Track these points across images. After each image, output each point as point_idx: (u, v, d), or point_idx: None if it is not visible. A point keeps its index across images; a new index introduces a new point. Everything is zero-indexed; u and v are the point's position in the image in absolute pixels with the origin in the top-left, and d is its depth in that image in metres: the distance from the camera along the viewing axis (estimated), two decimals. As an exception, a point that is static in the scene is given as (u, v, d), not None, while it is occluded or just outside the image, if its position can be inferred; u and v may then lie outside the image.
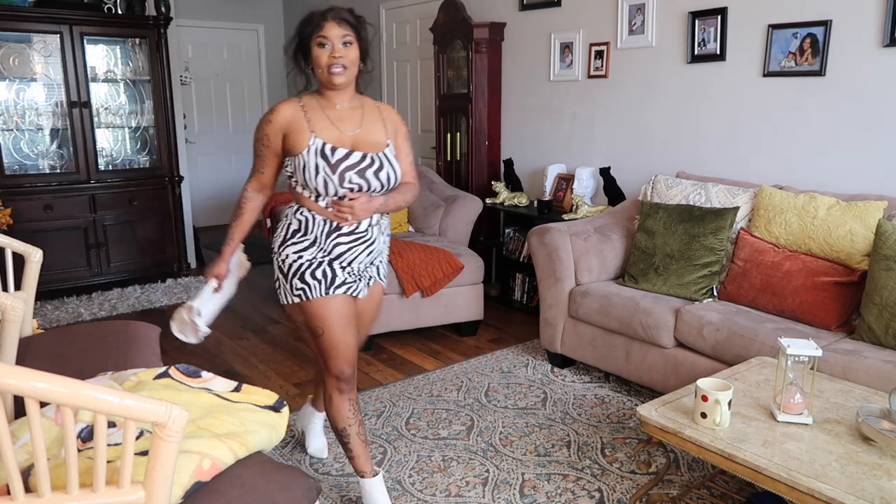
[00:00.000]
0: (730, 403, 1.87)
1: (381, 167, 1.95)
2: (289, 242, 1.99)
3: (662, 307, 2.89)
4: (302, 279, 1.98)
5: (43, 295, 4.47)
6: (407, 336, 3.87)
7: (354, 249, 2.00)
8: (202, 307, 2.06)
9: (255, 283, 5.10)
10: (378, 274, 2.14)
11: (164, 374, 1.86)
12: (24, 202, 4.39)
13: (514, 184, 4.62)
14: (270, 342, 3.88)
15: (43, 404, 1.29)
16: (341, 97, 1.97)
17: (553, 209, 4.24)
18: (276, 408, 1.79)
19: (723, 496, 2.28)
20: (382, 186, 1.96)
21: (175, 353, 3.65)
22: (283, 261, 2.00)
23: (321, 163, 1.89)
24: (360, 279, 2.06)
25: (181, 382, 1.83)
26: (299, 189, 1.97)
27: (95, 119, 4.72)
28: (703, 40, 3.57)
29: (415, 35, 5.58)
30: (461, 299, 3.79)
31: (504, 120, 4.84)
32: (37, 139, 4.69)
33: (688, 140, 3.74)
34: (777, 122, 3.35)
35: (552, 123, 4.50)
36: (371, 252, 2.04)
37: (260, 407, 1.77)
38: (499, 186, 4.57)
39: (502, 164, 4.76)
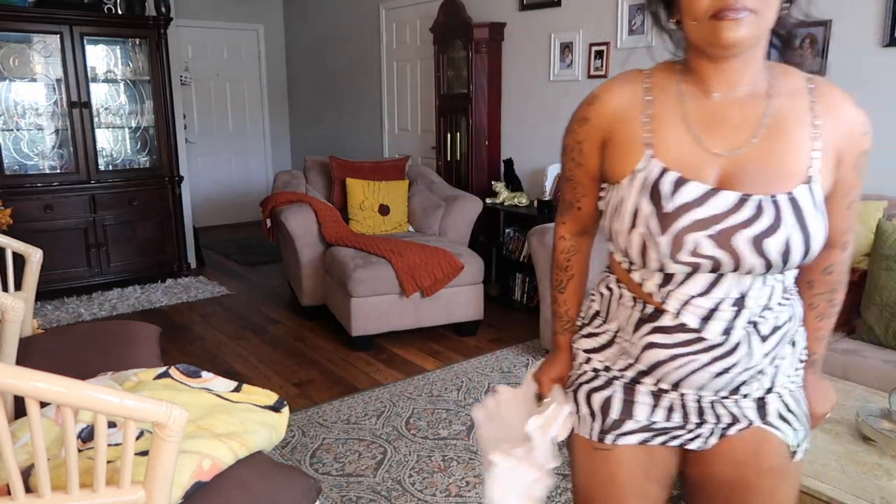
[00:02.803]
0: (730, 403, 1.87)
1: (775, 226, 0.96)
2: (583, 332, 1.21)
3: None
4: (575, 399, 1.19)
5: (43, 295, 4.47)
6: (407, 336, 3.87)
7: (687, 363, 1.04)
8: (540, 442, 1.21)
9: (255, 283, 5.11)
10: (760, 414, 1.09)
11: (165, 375, 1.86)
12: (24, 202, 4.39)
13: (514, 184, 4.62)
14: (270, 342, 3.88)
15: (43, 404, 1.29)
16: (729, 75, 1.00)
17: (553, 209, 4.24)
18: (276, 408, 1.80)
19: (723, 496, 2.28)
20: (769, 268, 0.99)
21: (175, 353, 3.66)
22: (574, 360, 1.23)
23: (646, 207, 1.01)
24: (699, 422, 1.10)
25: (181, 382, 1.84)
26: (610, 245, 1.13)
27: (95, 119, 4.72)
28: (703, 40, 3.57)
29: (415, 35, 5.58)
30: (461, 299, 3.79)
31: (504, 120, 4.84)
32: (37, 139, 4.70)
33: (688, 140, 3.74)
34: (777, 121, 3.35)
35: (552, 123, 4.50)
36: (735, 373, 1.04)
37: (260, 407, 1.77)
38: (499, 186, 4.57)
39: (502, 164, 4.76)
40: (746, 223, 0.96)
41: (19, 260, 2.32)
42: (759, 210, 0.96)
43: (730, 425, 1.09)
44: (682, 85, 1.04)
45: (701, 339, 1.03)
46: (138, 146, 5.12)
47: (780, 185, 0.98)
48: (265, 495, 1.50)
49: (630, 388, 1.12)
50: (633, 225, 1.02)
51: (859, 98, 1.10)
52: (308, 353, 3.70)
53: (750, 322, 1.03)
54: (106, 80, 4.89)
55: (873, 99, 2.99)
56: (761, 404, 1.09)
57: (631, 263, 1.08)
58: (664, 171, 1.01)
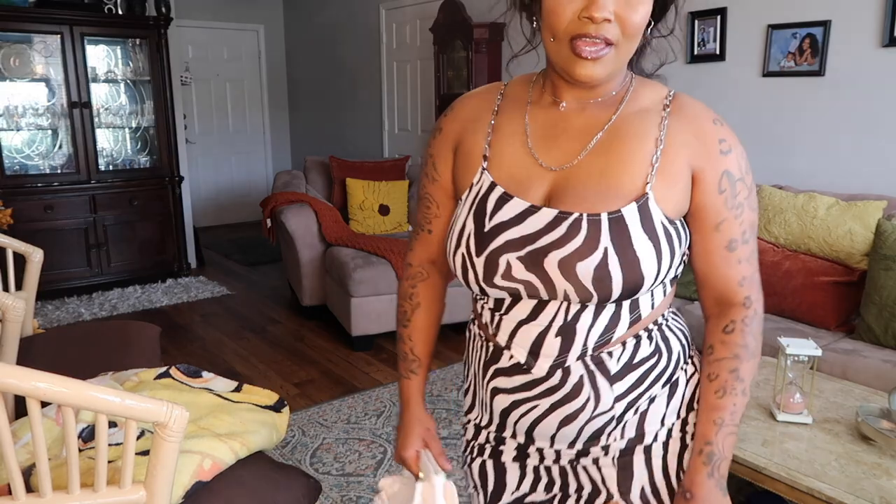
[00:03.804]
0: (729, 403, 1.87)
1: (588, 247, 0.85)
2: (463, 390, 1.12)
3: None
4: (470, 471, 1.09)
5: (43, 295, 4.48)
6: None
7: (528, 410, 0.95)
8: None
9: (255, 282, 5.12)
10: (623, 486, 0.95)
11: (165, 374, 1.86)
12: (24, 202, 4.39)
13: (514, 184, 4.62)
14: (271, 342, 3.88)
15: (44, 404, 1.29)
16: (583, 93, 0.92)
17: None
18: (276, 408, 1.80)
19: (722, 496, 2.28)
20: (587, 297, 0.86)
21: (175, 353, 3.66)
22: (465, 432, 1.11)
23: (469, 225, 0.93)
24: (564, 495, 0.99)
25: (182, 382, 1.84)
26: None
27: (96, 119, 4.73)
28: (703, 40, 3.57)
29: (415, 35, 5.59)
30: (461, 299, 3.77)
31: (504, 120, 4.84)
32: (37, 139, 4.70)
33: (688, 140, 3.74)
34: (776, 122, 3.35)
35: (552, 123, 4.50)
36: (582, 420, 0.93)
37: (261, 407, 1.77)
38: (499, 186, 4.57)
39: (502, 164, 4.75)
40: (558, 243, 0.86)
41: (20, 260, 2.32)
42: (574, 229, 0.86)
43: (591, 499, 0.95)
44: (532, 94, 0.97)
45: (538, 382, 0.92)
46: (138, 146, 5.12)
47: (607, 203, 0.86)
48: (265, 495, 1.50)
49: (497, 449, 1.02)
50: (458, 245, 0.93)
51: (858, 98, 1.10)
52: (308, 352, 3.70)
53: (588, 357, 0.90)
54: (106, 81, 4.89)
55: (873, 99, 2.99)
56: (625, 465, 0.94)
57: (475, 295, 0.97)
58: (493, 187, 0.93)
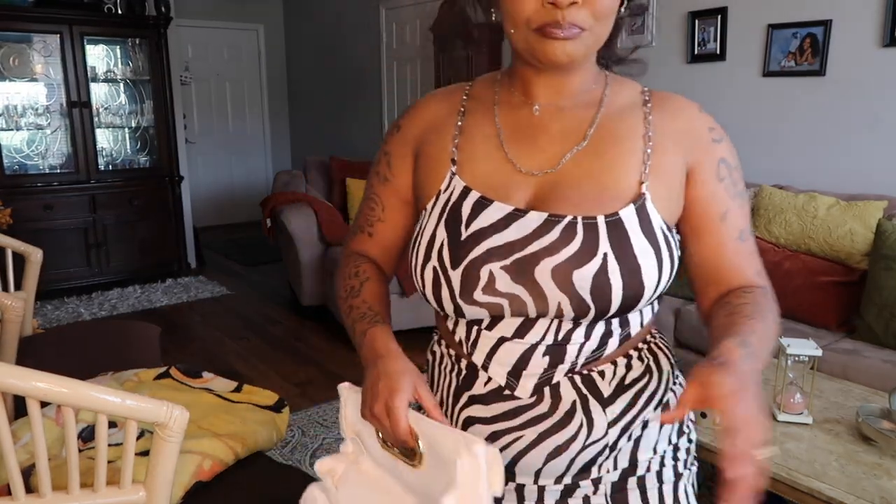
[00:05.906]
0: (730, 403, 1.87)
1: (586, 252, 0.78)
2: None
3: (662, 307, 2.90)
4: None
5: (43, 295, 4.47)
6: (407, 336, 3.86)
7: (511, 442, 0.85)
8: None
9: (255, 282, 5.11)
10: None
11: (165, 375, 1.86)
12: (24, 202, 4.39)
13: (514, 184, 4.62)
14: (271, 342, 3.88)
15: (44, 404, 1.29)
16: (555, 84, 0.85)
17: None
18: (276, 408, 1.80)
19: (723, 496, 2.28)
20: (583, 311, 0.79)
21: (175, 353, 3.66)
22: None
23: (441, 234, 0.84)
24: None
25: (182, 382, 1.84)
26: None
27: (95, 119, 4.73)
28: (703, 40, 3.57)
29: (415, 35, 5.58)
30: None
31: (504, 120, 4.83)
32: (37, 139, 4.70)
33: (688, 140, 3.74)
34: (777, 122, 3.35)
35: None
36: (574, 451, 0.84)
37: (261, 407, 1.77)
38: (499, 186, 4.57)
39: (502, 164, 4.75)
40: (551, 249, 0.78)
41: (19, 260, 2.32)
42: (569, 233, 0.78)
43: None
44: (500, 94, 0.89)
45: (523, 409, 0.83)
46: (138, 146, 5.12)
47: (602, 206, 0.79)
48: (265, 495, 1.50)
49: None
50: (427, 258, 0.83)
51: (859, 97, 1.09)
52: (308, 353, 3.70)
53: (577, 375, 0.82)
54: (106, 80, 4.89)
55: (873, 98, 2.99)
56: (621, 502, 0.85)
57: (443, 313, 0.88)
58: (466, 192, 0.84)
